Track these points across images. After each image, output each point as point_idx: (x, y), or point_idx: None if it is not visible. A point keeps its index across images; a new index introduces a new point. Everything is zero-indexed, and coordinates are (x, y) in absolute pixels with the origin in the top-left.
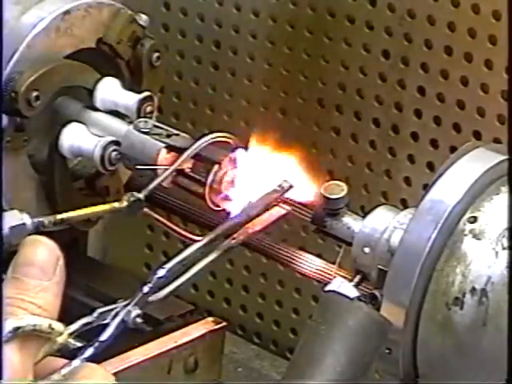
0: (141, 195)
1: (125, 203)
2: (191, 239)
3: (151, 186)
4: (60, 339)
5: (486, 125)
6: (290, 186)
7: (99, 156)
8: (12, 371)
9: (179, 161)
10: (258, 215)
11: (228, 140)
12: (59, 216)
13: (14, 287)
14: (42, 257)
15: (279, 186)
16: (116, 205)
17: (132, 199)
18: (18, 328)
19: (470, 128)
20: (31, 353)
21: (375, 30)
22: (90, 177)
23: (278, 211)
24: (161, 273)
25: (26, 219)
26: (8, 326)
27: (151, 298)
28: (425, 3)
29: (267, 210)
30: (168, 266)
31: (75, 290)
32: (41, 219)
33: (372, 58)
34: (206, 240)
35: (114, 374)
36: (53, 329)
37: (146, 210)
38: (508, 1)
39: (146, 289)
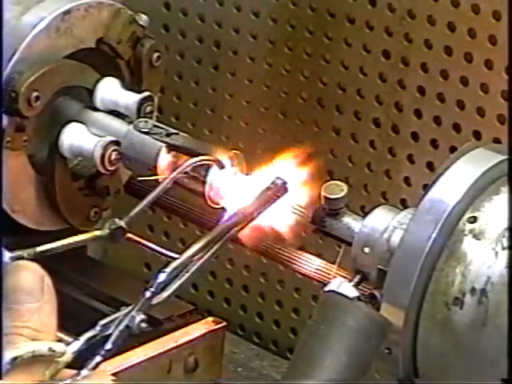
0: (122, 223)
1: (106, 231)
2: (172, 257)
3: (132, 213)
4: (64, 359)
5: (486, 125)
6: (284, 183)
7: (99, 156)
8: None
9: (161, 187)
10: (253, 213)
11: (212, 162)
12: (39, 248)
13: (7, 317)
14: (26, 281)
15: (273, 183)
16: (98, 233)
17: (113, 227)
18: (16, 358)
19: (470, 128)
20: (36, 377)
21: (375, 30)
22: (90, 177)
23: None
24: (161, 277)
25: (4, 255)
26: (6, 357)
27: (153, 301)
28: (425, 3)
29: (262, 207)
30: (168, 269)
31: (75, 289)
32: (19, 252)
33: (372, 58)
34: (204, 241)
35: (114, 374)
36: (54, 351)
37: (129, 235)
38: (508, 1)
39: (148, 294)
